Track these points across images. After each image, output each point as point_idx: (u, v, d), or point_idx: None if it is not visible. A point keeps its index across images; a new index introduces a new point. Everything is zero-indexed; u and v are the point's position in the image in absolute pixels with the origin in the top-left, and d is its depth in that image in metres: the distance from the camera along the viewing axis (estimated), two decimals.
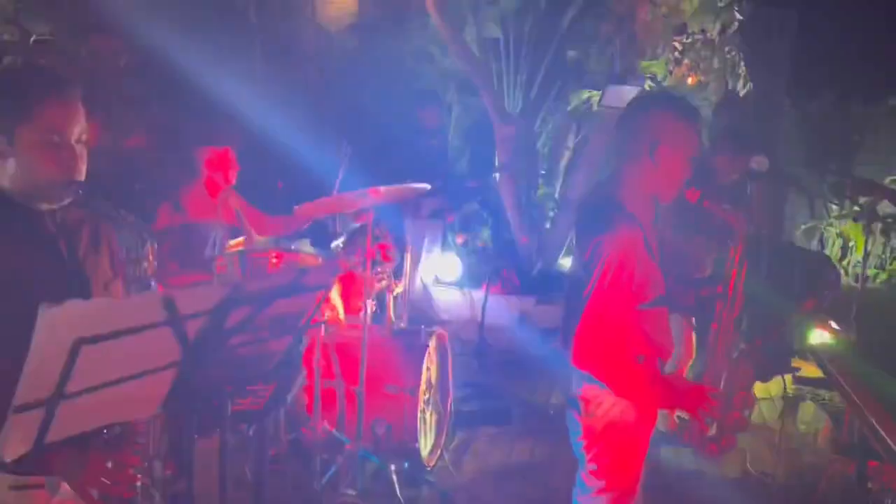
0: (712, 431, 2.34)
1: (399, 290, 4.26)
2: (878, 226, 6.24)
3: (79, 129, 1.77)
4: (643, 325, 2.22)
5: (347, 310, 3.88)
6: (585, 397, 2.30)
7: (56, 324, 1.19)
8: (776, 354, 4.69)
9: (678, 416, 2.49)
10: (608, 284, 2.13)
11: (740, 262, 2.30)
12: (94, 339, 1.22)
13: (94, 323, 1.23)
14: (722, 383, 2.34)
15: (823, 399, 5.00)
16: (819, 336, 5.10)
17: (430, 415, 4.00)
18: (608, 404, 2.28)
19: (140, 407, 1.56)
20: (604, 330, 2.13)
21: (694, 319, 4.01)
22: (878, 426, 2.78)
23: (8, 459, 1.30)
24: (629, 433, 2.33)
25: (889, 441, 2.10)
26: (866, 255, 6.73)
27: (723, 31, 6.69)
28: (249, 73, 7.21)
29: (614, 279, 2.13)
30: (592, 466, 2.36)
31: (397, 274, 4.31)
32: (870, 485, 3.09)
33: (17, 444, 1.30)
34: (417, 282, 5.86)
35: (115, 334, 1.25)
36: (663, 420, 2.76)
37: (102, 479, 1.72)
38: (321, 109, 7.28)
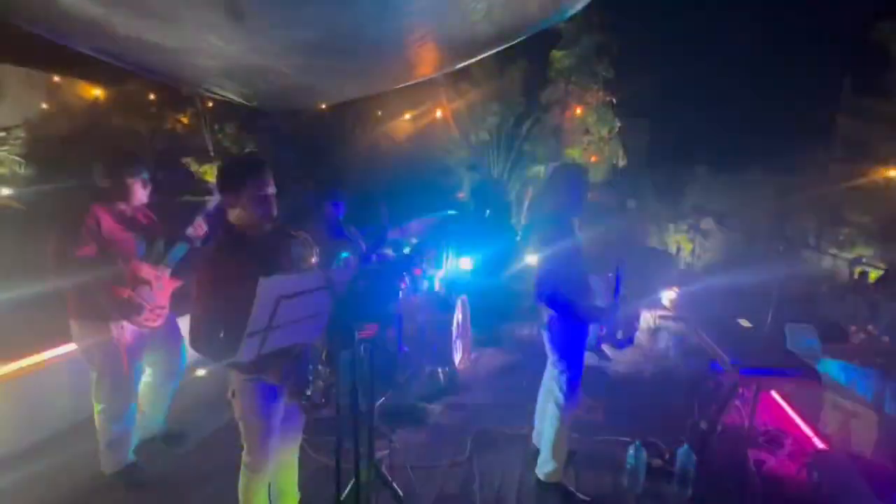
0: (620, 336, 2.33)
1: (440, 274, 4.22)
2: (699, 236, 6.13)
3: (272, 186, 1.72)
4: (578, 280, 2.25)
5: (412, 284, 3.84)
6: (548, 321, 2.30)
7: (267, 288, 1.17)
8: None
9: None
10: (555, 260, 2.17)
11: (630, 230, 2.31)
12: (289, 296, 1.20)
13: (288, 287, 1.21)
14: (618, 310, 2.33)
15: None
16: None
17: (458, 341, 3.95)
18: (562, 325, 2.28)
19: (311, 334, 1.53)
20: (558, 283, 2.17)
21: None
22: None
23: (245, 360, 1.27)
24: (575, 342, 2.31)
25: None
26: (693, 253, 6.66)
27: (609, 132, 6.63)
28: None
29: (558, 256, 2.17)
30: (556, 356, 2.35)
31: (438, 266, 4.28)
32: None
33: (248, 353, 1.28)
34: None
35: (299, 294, 1.23)
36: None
37: (294, 375, 1.70)
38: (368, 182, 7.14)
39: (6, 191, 5.97)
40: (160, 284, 2.34)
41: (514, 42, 3.59)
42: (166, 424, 2.74)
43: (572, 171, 2.40)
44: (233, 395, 1.74)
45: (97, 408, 2.34)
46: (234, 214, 1.72)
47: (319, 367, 1.74)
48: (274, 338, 1.30)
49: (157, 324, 2.36)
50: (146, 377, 2.58)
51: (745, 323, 2.58)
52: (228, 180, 1.69)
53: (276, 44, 2.81)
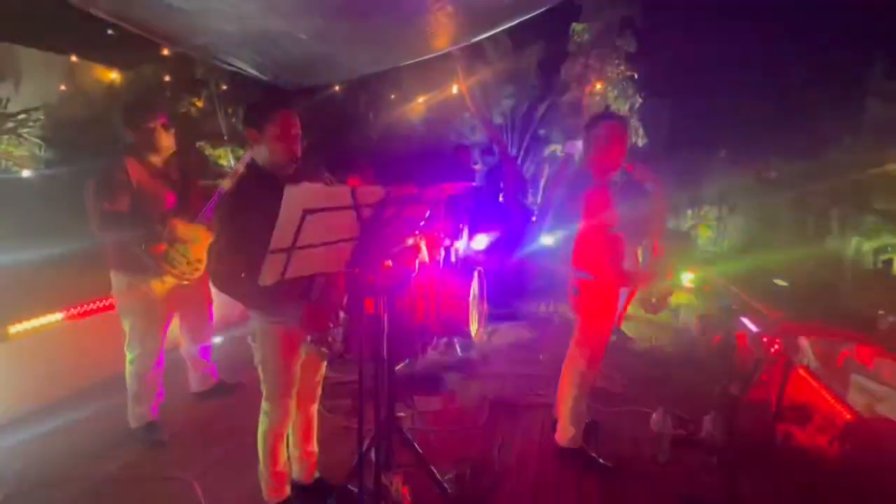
0: (654, 300, 2.22)
1: (457, 246, 4.17)
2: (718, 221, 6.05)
3: (297, 127, 1.70)
4: (612, 242, 2.12)
5: (430, 257, 3.81)
6: (578, 285, 2.20)
7: (293, 197, 1.13)
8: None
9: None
10: (591, 220, 2.05)
11: (662, 204, 2.16)
12: (314, 211, 1.16)
13: (314, 199, 1.17)
14: (655, 273, 2.20)
15: None
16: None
17: (474, 312, 3.91)
18: (593, 288, 2.18)
19: (336, 263, 1.47)
20: (592, 245, 2.06)
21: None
22: None
23: (268, 283, 1.23)
24: (604, 307, 2.21)
25: None
26: (711, 238, 6.55)
27: (630, 109, 6.47)
28: None
29: (595, 216, 2.04)
30: (581, 328, 2.25)
31: (455, 238, 4.24)
32: None
33: (271, 275, 1.25)
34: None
35: (325, 209, 1.19)
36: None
37: (315, 319, 1.66)
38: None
39: (27, 172, 6.06)
40: (196, 239, 2.34)
41: (535, 12, 3.51)
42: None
43: (607, 121, 2.18)
44: (253, 338, 1.73)
45: (129, 357, 2.39)
46: (257, 153, 1.69)
47: (341, 312, 1.70)
48: (297, 262, 1.26)
49: (194, 278, 2.38)
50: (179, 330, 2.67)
51: (780, 282, 2.48)
52: (253, 116, 1.66)
53: (294, 3, 2.79)
